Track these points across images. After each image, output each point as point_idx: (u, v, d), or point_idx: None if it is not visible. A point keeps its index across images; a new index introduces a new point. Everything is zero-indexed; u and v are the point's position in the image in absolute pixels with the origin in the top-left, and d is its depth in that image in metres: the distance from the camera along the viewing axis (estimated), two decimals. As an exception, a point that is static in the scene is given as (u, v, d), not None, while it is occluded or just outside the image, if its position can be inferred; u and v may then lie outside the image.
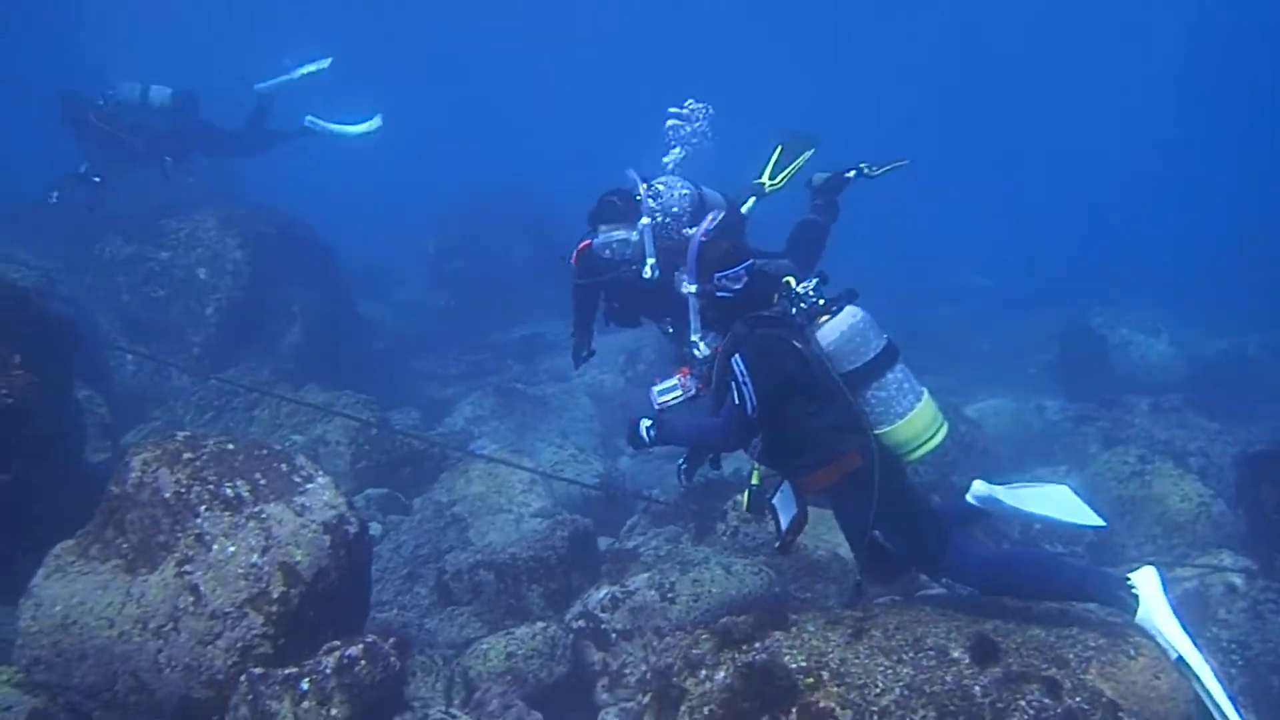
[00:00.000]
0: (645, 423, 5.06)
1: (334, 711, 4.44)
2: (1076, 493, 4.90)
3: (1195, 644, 4.10)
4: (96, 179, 11.27)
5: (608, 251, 6.07)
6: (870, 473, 4.46)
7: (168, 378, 11.13)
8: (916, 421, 4.62)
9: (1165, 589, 4.28)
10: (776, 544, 4.87)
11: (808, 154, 6.12)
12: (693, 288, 5.01)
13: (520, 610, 6.38)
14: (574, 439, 10.55)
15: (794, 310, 4.70)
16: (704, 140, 6.70)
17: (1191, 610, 5.66)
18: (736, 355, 4.57)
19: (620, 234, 6.04)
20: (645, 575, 6.05)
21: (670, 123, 6.64)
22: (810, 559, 6.33)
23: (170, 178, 11.53)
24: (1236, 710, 3.94)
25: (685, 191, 6.16)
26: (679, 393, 5.20)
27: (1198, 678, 4.01)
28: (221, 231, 11.92)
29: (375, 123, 12.38)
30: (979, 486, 5.00)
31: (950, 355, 15.61)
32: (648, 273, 5.92)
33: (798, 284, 4.81)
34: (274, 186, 16.19)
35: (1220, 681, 3.99)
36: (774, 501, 4.94)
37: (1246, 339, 14.30)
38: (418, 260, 18.49)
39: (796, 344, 4.60)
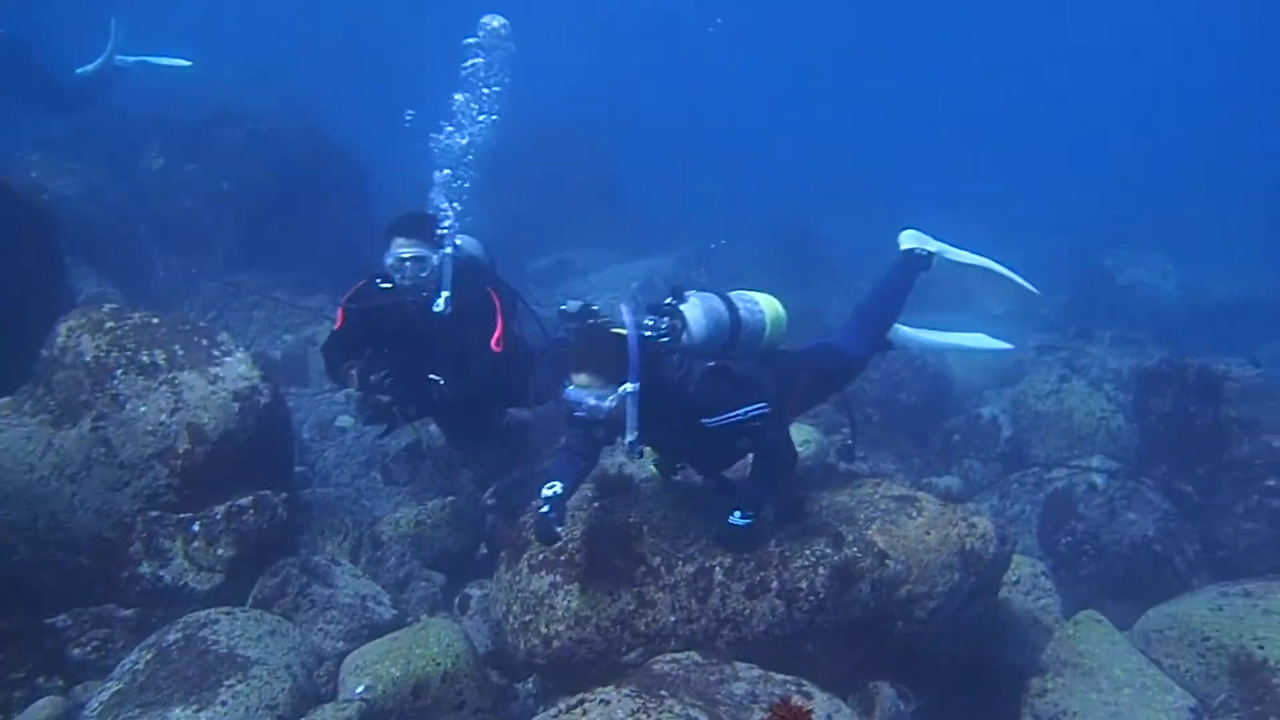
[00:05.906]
0: (740, 520, 4.35)
1: (221, 551, 4.97)
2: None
3: (940, 239, 5.62)
4: None
5: (400, 273, 5.51)
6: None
7: (194, 282, 11.84)
8: (775, 319, 4.96)
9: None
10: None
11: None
12: (630, 387, 4.13)
13: (453, 490, 6.81)
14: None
15: (664, 335, 4.52)
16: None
17: (1058, 506, 5.91)
18: (712, 403, 4.36)
19: (420, 250, 5.50)
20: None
21: None
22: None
23: None
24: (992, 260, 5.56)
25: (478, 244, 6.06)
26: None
27: (946, 257, 5.60)
28: (248, 146, 12.49)
29: (186, 63, 13.42)
30: (901, 330, 5.59)
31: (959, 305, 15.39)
32: (440, 305, 5.48)
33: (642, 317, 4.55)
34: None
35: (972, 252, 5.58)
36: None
37: (1258, 283, 14.06)
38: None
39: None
